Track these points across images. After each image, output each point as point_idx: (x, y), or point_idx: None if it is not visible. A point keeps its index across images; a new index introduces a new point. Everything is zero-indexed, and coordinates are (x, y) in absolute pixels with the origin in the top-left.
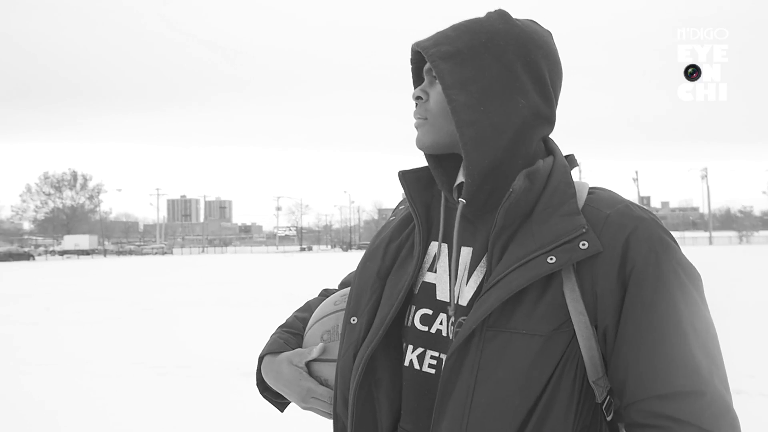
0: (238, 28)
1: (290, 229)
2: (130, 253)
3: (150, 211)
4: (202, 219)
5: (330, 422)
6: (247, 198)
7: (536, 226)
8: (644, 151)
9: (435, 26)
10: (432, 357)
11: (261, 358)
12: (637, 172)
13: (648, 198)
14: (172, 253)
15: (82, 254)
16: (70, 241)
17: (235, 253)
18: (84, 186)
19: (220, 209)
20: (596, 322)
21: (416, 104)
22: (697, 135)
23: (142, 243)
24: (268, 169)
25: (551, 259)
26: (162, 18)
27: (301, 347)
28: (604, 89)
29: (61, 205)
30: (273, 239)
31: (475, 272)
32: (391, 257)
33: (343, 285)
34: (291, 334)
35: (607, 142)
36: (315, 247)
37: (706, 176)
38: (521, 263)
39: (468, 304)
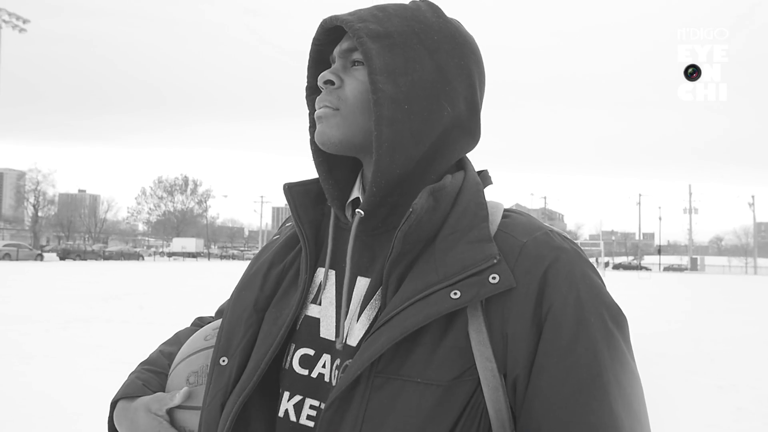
0: None
1: None
2: (233, 257)
3: (255, 218)
4: None
5: None
6: None
7: (440, 253)
8: (763, 175)
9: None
10: (311, 407)
11: (114, 404)
12: (753, 197)
13: (767, 224)
14: None
15: (188, 257)
16: (177, 244)
17: None
18: (194, 191)
19: None
20: (505, 370)
21: (322, 90)
22: None
23: (245, 248)
24: None
25: (455, 293)
26: (249, 30)
27: (164, 390)
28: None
29: (172, 209)
30: None
31: (368, 307)
32: (271, 286)
33: (219, 313)
34: (153, 374)
35: (721, 164)
36: None
37: None
38: (419, 297)
39: (358, 344)
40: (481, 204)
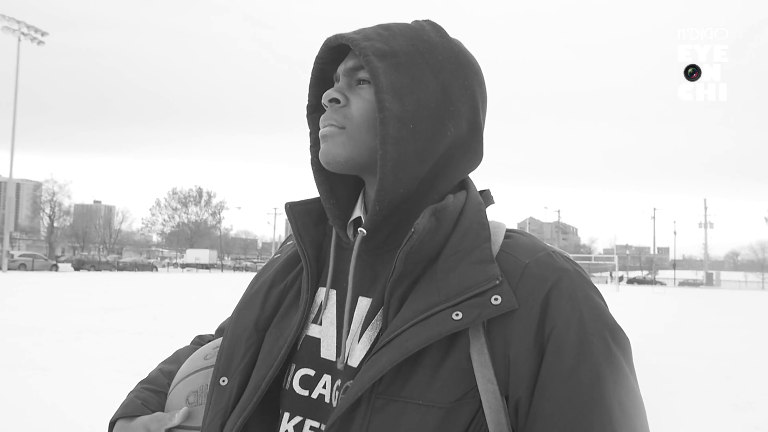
0: None
1: None
2: (246, 269)
3: (268, 230)
4: None
5: None
6: None
7: (442, 274)
8: None
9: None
10: (312, 428)
11: (112, 424)
12: None
13: None
14: None
15: (202, 268)
16: (191, 255)
17: None
18: (208, 202)
19: None
20: (507, 392)
21: (327, 108)
22: None
23: (259, 260)
24: None
25: (457, 315)
26: (258, 41)
27: (163, 409)
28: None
29: (186, 220)
30: None
31: (369, 327)
32: (272, 305)
33: (220, 332)
34: (152, 392)
35: (733, 179)
36: None
37: None
38: (421, 319)
39: (359, 365)
40: (484, 224)
